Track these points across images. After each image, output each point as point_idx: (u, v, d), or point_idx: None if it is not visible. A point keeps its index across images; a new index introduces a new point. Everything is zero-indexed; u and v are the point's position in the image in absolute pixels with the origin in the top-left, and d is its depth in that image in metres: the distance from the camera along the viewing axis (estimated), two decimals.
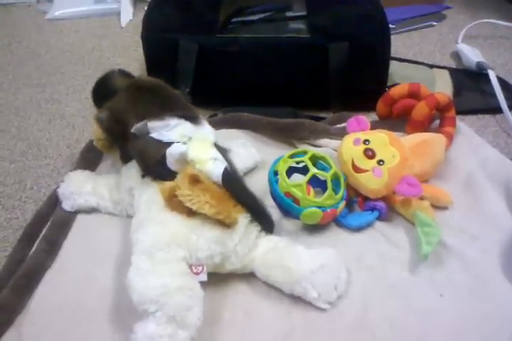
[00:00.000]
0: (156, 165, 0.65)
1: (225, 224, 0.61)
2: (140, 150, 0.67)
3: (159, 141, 0.65)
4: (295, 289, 0.61)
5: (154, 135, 0.65)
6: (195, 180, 0.59)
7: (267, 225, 0.66)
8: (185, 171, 0.61)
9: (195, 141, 0.65)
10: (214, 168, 0.62)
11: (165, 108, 0.68)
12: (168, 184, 0.62)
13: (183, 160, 0.63)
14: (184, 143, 0.64)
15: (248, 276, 0.65)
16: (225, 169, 0.62)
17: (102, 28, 1.41)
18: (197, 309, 0.57)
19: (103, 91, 0.76)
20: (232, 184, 0.62)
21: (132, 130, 0.66)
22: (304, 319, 0.61)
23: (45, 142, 0.97)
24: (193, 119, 0.68)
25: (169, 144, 0.64)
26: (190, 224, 0.60)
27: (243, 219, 0.63)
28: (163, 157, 0.64)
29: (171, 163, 0.64)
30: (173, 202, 0.60)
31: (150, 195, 0.65)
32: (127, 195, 0.70)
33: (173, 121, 0.66)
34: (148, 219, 0.62)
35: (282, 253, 0.63)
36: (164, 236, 0.60)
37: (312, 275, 0.60)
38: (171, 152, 0.63)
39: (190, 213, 0.60)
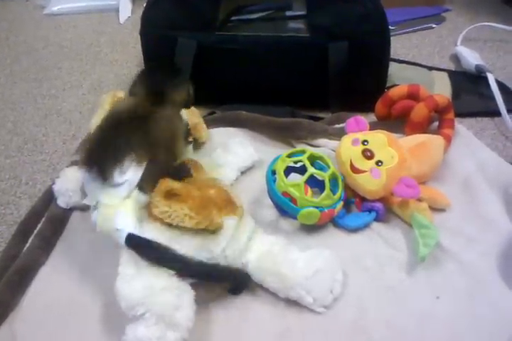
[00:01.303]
0: None
1: (210, 231, 0.59)
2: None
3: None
4: (290, 295, 0.61)
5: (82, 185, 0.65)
6: (170, 194, 0.58)
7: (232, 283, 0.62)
8: (159, 187, 0.58)
9: (101, 207, 0.60)
10: (118, 237, 0.58)
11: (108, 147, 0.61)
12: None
13: None
14: (95, 207, 0.62)
15: None
16: (127, 237, 0.58)
17: (100, 24, 1.40)
18: (187, 309, 0.56)
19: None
20: (138, 249, 0.58)
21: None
22: (299, 320, 0.61)
23: (41, 137, 0.96)
24: (104, 174, 0.60)
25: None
26: (171, 235, 0.58)
27: (230, 221, 0.60)
28: None
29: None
30: (154, 214, 0.58)
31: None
32: None
33: (86, 175, 0.62)
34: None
35: (276, 259, 0.62)
36: None
37: (306, 282, 0.60)
38: (91, 217, 0.62)
39: (169, 224, 0.58)
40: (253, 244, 0.63)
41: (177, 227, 0.58)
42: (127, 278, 0.57)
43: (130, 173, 0.60)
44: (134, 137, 0.61)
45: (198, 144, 0.82)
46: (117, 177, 0.59)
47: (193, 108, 0.79)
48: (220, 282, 0.62)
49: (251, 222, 0.65)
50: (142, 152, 0.60)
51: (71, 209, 0.76)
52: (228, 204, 0.62)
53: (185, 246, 0.58)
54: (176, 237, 0.58)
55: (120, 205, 0.59)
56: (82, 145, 0.65)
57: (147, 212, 0.59)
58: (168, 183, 0.59)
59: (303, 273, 0.60)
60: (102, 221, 0.60)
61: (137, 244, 0.58)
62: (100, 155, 0.61)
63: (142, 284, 0.56)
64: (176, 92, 0.67)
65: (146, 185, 0.60)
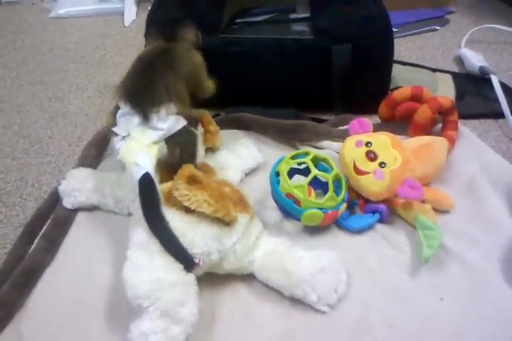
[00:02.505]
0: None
1: (224, 223, 0.61)
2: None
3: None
4: (295, 292, 0.61)
5: (118, 113, 0.68)
6: (192, 180, 0.59)
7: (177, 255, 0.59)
8: (182, 172, 0.61)
9: (129, 140, 0.65)
10: (135, 172, 0.61)
11: (148, 89, 0.67)
12: (166, 184, 0.63)
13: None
14: (123, 138, 0.65)
15: (248, 277, 0.65)
16: (141, 178, 0.60)
17: (105, 27, 1.41)
18: (191, 304, 0.57)
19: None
20: (145, 191, 0.60)
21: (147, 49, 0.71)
22: (303, 320, 0.61)
23: (47, 139, 0.97)
24: (144, 115, 0.65)
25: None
26: (188, 220, 0.60)
27: (242, 218, 0.63)
28: None
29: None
30: (172, 199, 0.60)
31: None
32: (131, 190, 0.70)
33: (125, 109, 0.66)
34: None
35: (282, 256, 0.63)
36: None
37: (312, 279, 0.60)
38: (113, 144, 0.66)
39: (189, 210, 0.60)
40: (260, 244, 0.64)
41: (194, 214, 0.60)
42: (136, 267, 0.57)
43: (168, 123, 0.65)
44: (166, 74, 0.68)
45: (211, 149, 0.83)
46: (156, 122, 0.65)
47: (208, 116, 0.82)
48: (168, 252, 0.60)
49: (259, 223, 0.67)
50: (176, 92, 0.67)
51: (76, 210, 0.76)
52: (241, 202, 0.64)
53: (200, 234, 0.59)
54: (193, 224, 0.60)
55: (147, 146, 0.63)
56: (120, 84, 0.69)
57: (163, 199, 0.61)
58: (191, 169, 0.61)
59: (308, 271, 0.61)
60: (125, 151, 0.63)
61: (148, 185, 0.60)
62: (140, 94, 0.66)
63: (151, 277, 0.56)
64: (184, 31, 0.77)
65: (172, 143, 0.65)
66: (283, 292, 0.62)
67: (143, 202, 0.60)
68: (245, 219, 0.63)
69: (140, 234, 0.60)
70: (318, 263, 0.62)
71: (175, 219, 0.60)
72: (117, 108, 0.69)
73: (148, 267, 0.57)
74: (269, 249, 0.64)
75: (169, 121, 0.66)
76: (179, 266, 0.58)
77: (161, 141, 0.65)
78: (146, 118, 0.65)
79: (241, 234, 0.62)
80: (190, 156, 0.69)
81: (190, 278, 0.58)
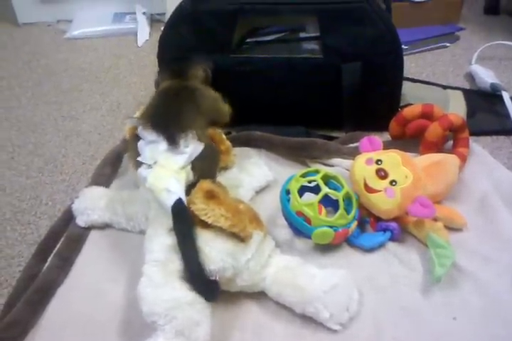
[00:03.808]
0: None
1: (240, 238, 0.61)
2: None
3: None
4: (307, 309, 0.61)
5: (140, 144, 0.68)
6: (210, 195, 0.60)
7: (198, 287, 0.59)
8: (200, 186, 0.61)
9: (157, 167, 0.65)
10: (166, 198, 0.61)
11: (174, 115, 0.69)
12: None
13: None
14: (149, 166, 0.65)
15: (259, 296, 0.65)
16: (175, 203, 0.60)
17: (119, 48, 1.43)
18: (205, 324, 0.57)
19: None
20: (179, 217, 0.60)
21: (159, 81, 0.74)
22: (315, 339, 0.60)
23: (61, 158, 0.99)
24: (171, 140, 0.66)
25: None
26: (204, 236, 0.60)
27: (256, 235, 0.63)
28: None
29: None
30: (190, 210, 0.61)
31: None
32: (144, 206, 0.70)
33: (151, 137, 0.67)
34: (162, 230, 0.62)
35: (295, 273, 0.63)
36: (177, 248, 0.59)
37: (324, 296, 0.60)
38: (139, 173, 0.66)
39: (204, 225, 0.60)
40: (272, 261, 0.65)
41: (210, 230, 0.60)
42: (153, 284, 0.57)
43: (192, 147, 0.66)
44: (189, 104, 0.72)
45: (223, 168, 0.83)
46: (182, 146, 0.66)
47: (221, 135, 0.84)
48: (192, 284, 0.59)
49: (272, 241, 0.67)
50: (198, 121, 0.71)
51: (89, 228, 0.77)
52: (255, 220, 0.64)
53: (215, 249, 0.60)
54: (208, 239, 0.60)
55: (176, 172, 0.63)
56: (142, 115, 0.73)
57: None
58: (209, 184, 0.62)
59: (321, 288, 0.61)
60: (154, 179, 0.63)
61: (182, 210, 0.60)
62: (167, 120, 0.68)
63: (168, 295, 0.56)
64: (195, 68, 0.81)
65: (197, 168, 0.66)
66: (294, 309, 0.62)
67: (177, 228, 0.60)
68: (259, 236, 0.63)
69: (157, 252, 0.60)
70: (331, 281, 0.61)
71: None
72: (136, 138, 0.70)
73: (165, 285, 0.57)
74: (282, 265, 0.64)
75: (191, 145, 0.67)
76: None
77: (188, 165, 0.65)
78: (174, 142, 0.65)
79: (255, 250, 0.62)
80: (210, 171, 0.70)
81: (206, 305, 0.58)
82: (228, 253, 0.60)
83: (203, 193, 0.60)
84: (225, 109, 0.80)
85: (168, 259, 0.59)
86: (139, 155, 0.68)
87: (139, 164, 0.67)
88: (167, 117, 0.69)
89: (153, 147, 0.66)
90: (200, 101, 0.74)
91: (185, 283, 0.58)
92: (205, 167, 0.69)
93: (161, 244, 0.61)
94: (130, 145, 0.72)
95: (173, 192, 0.61)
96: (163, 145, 0.66)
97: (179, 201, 0.60)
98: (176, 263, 0.59)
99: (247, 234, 0.61)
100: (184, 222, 0.60)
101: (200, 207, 0.59)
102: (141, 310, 0.56)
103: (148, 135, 0.67)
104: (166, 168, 0.64)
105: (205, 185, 0.61)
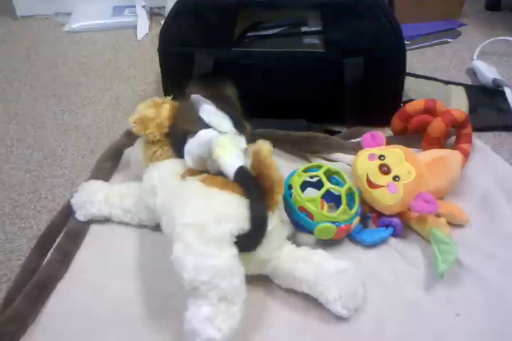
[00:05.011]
0: (182, 136, 0.69)
1: (270, 203, 0.60)
2: (179, 114, 0.72)
3: (201, 120, 0.69)
4: (316, 287, 0.61)
5: (202, 113, 0.70)
6: (270, 151, 0.60)
7: (254, 236, 0.59)
8: (264, 143, 0.61)
9: (228, 136, 0.66)
10: (234, 160, 0.61)
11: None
12: (201, 175, 0.64)
13: (205, 146, 0.64)
14: (219, 132, 0.67)
15: (262, 289, 0.65)
16: (243, 166, 0.61)
17: (118, 41, 1.42)
18: (243, 288, 0.57)
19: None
20: (244, 180, 0.60)
21: (190, 93, 0.73)
22: (318, 335, 0.60)
23: (60, 152, 0.98)
24: (240, 128, 0.70)
25: (205, 127, 0.67)
26: (235, 199, 0.59)
27: (278, 212, 0.63)
28: (190, 135, 0.67)
29: (192, 144, 0.66)
30: (215, 181, 0.61)
31: (184, 182, 0.65)
32: (147, 194, 0.70)
33: (225, 115, 0.70)
34: (193, 193, 0.61)
35: (309, 251, 0.64)
36: (213, 210, 0.58)
37: (336, 275, 0.61)
38: (201, 133, 0.66)
39: (233, 190, 0.60)
40: (287, 243, 0.65)
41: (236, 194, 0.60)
42: (192, 251, 0.55)
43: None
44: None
45: None
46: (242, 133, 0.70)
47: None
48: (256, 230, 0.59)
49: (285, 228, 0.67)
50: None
51: (89, 222, 0.77)
52: None
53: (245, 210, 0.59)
54: (239, 200, 0.60)
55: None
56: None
57: (205, 181, 0.62)
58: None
59: (333, 267, 0.61)
60: (227, 142, 0.63)
61: (245, 177, 0.60)
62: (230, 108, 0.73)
63: (209, 263, 0.55)
64: (223, 86, 0.81)
65: None
66: (302, 288, 0.62)
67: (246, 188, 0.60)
68: (278, 213, 0.64)
69: (188, 216, 0.58)
70: (343, 265, 0.62)
71: (222, 196, 0.59)
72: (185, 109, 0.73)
73: (205, 252, 0.55)
74: (295, 248, 0.65)
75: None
76: (234, 252, 0.57)
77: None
78: (239, 126, 0.70)
79: (277, 222, 0.62)
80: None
81: (242, 267, 0.57)
82: None
83: (267, 147, 0.60)
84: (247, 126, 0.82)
85: (205, 223, 0.57)
86: (192, 119, 0.70)
87: (204, 126, 0.68)
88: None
89: (221, 120, 0.69)
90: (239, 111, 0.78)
91: (225, 248, 0.56)
92: None
93: (194, 207, 0.59)
94: (180, 108, 0.74)
95: (240, 159, 0.62)
96: (229, 125, 0.69)
97: (244, 167, 0.61)
98: (212, 226, 0.57)
99: (278, 201, 0.61)
100: (251, 182, 0.60)
101: (266, 151, 0.59)
102: (181, 278, 0.54)
103: (217, 112, 0.71)
104: (236, 142, 0.65)
105: (268, 143, 0.61)
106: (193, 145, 0.67)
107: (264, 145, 0.60)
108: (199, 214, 0.58)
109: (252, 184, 0.60)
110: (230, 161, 0.61)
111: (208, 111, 0.71)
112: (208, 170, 0.66)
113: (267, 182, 0.59)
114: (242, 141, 0.68)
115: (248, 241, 0.59)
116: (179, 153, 0.70)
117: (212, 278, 0.54)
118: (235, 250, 0.57)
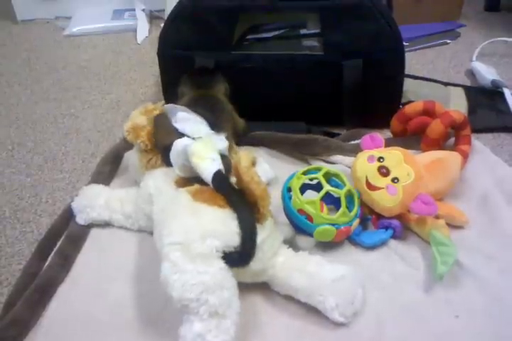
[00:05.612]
0: (163, 150, 0.71)
1: (257, 216, 0.60)
2: (156, 129, 0.73)
3: (176, 130, 0.70)
4: (313, 297, 0.61)
5: (176, 123, 0.71)
6: (253, 163, 0.62)
7: (245, 250, 0.59)
8: (245, 153, 0.61)
9: (202, 140, 0.67)
10: (209, 165, 0.62)
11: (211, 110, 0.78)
12: (191, 187, 0.64)
13: (184, 154, 0.65)
14: (193, 139, 0.67)
15: (260, 295, 0.65)
16: (218, 170, 0.61)
17: (118, 44, 1.43)
18: (236, 301, 0.57)
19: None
20: (221, 186, 0.61)
21: (163, 105, 0.74)
22: (317, 339, 0.60)
23: (61, 156, 0.98)
24: (215, 127, 0.72)
25: (180, 136, 0.68)
26: (223, 214, 0.59)
27: (270, 220, 0.63)
28: (170, 145, 0.68)
29: (173, 154, 0.67)
30: (202, 196, 0.61)
31: (176, 193, 0.65)
32: (144, 202, 0.70)
33: (197, 119, 0.71)
34: (181, 209, 0.62)
35: (304, 260, 0.64)
36: (199, 227, 0.58)
37: (332, 284, 0.60)
38: (177, 143, 0.66)
39: (220, 205, 0.60)
40: (282, 251, 0.65)
41: (226, 208, 0.60)
42: (178, 269, 0.56)
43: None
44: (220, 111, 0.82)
45: None
46: (222, 135, 0.71)
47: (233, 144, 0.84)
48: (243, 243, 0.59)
49: (280, 234, 0.67)
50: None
51: (89, 226, 0.77)
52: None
53: (234, 227, 0.59)
54: (228, 217, 0.60)
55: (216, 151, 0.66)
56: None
57: (193, 196, 0.62)
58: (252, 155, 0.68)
59: (329, 276, 0.61)
60: (201, 147, 0.65)
61: (223, 179, 0.62)
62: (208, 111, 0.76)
63: (196, 280, 0.55)
64: (216, 81, 0.89)
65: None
66: (299, 297, 0.62)
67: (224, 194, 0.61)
68: (271, 222, 0.63)
69: (177, 232, 0.58)
70: (340, 271, 0.62)
71: (211, 213, 0.59)
72: (162, 117, 0.73)
73: (192, 269, 0.56)
74: (291, 255, 0.65)
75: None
76: (221, 266, 0.57)
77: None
78: (217, 128, 0.72)
79: (269, 233, 0.62)
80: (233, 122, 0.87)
81: (232, 279, 0.58)
82: None
83: (248, 158, 0.60)
84: (239, 119, 0.87)
85: (189, 240, 0.57)
86: (167, 131, 0.70)
87: (179, 134, 0.69)
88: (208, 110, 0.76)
89: (194, 125, 0.70)
90: (226, 110, 0.84)
91: (211, 264, 0.56)
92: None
93: (180, 225, 0.59)
94: (156, 123, 0.73)
95: (216, 162, 0.62)
96: (205, 128, 0.70)
97: (220, 171, 0.61)
98: (197, 244, 0.57)
99: (266, 213, 0.60)
100: (228, 185, 0.61)
101: (245, 165, 0.59)
102: (170, 296, 0.55)
103: (189, 115, 0.72)
104: (211, 144, 0.66)
105: (249, 154, 0.62)
106: (173, 156, 0.67)
107: (243, 158, 0.59)
108: (184, 233, 0.58)
109: (230, 190, 0.61)
110: (205, 168, 0.62)
111: (183, 118, 0.71)
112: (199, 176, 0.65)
113: (250, 198, 0.59)
114: (220, 140, 0.69)
115: (240, 257, 0.59)
116: (169, 164, 0.70)
117: (200, 295, 0.54)
118: (222, 264, 0.57)
